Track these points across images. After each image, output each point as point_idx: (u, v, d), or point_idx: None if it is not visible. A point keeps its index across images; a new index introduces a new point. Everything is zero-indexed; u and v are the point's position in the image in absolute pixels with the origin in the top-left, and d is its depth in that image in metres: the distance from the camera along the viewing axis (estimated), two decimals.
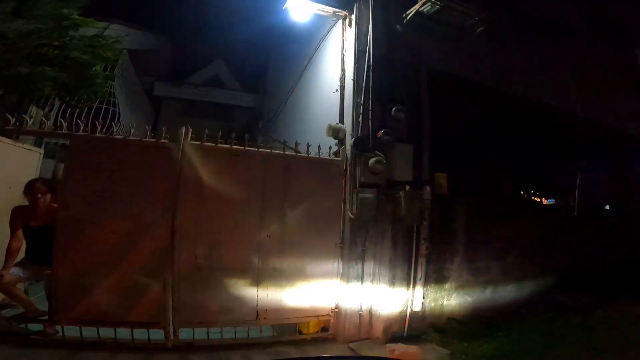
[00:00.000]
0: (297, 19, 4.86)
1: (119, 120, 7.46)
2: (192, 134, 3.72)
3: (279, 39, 9.74)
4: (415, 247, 4.13)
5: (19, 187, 3.67)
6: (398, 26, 4.53)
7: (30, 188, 3.53)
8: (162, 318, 3.47)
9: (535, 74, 5.67)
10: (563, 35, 6.00)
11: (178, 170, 3.58)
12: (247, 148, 3.90)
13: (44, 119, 3.56)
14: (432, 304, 4.29)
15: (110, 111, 7.36)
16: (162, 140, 3.63)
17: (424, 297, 4.16)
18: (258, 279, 3.80)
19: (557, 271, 5.31)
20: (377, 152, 3.99)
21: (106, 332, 3.44)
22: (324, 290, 4.01)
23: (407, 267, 4.13)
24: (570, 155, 6.17)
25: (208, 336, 3.64)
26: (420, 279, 4.12)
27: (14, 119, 3.45)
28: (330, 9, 4.62)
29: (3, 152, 3.86)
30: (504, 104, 5.25)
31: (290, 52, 8.31)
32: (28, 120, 3.57)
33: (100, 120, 3.66)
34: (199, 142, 3.73)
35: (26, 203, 3.59)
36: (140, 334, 3.49)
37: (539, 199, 6.85)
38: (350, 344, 3.86)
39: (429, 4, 4.17)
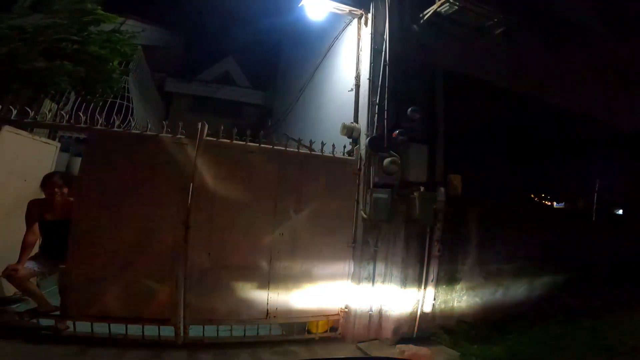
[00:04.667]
0: (312, 17, 4.85)
1: (132, 115, 7.52)
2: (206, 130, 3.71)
3: (291, 37, 9.74)
4: (428, 249, 4.11)
5: (34, 180, 3.68)
6: (414, 26, 4.51)
7: (47, 182, 3.53)
8: (173, 315, 3.48)
9: (552, 75, 5.60)
10: (581, 36, 5.92)
11: (193, 166, 3.58)
12: (262, 145, 3.91)
13: (62, 112, 3.59)
14: (443, 306, 4.27)
15: (125, 106, 7.42)
16: (178, 136, 3.63)
17: (434, 299, 4.15)
18: (269, 278, 3.80)
19: (569, 275, 5.25)
20: (391, 152, 3.98)
21: (117, 329, 3.45)
22: (335, 290, 4.01)
23: (419, 268, 4.12)
24: (585, 159, 6.08)
25: (217, 334, 3.66)
26: (431, 280, 4.11)
27: (32, 112, 3.48)
28: (346, 8, 4.61)
29: (20, 145, 3.89)
30: (519, 105, 5.19)
31: (302, 49, 8.30)
32: (47, 113, 3.61)
33: (114, 114, 3.69)
34: (214, 139, 3.73)
35: (42, 196, 3.60)
36: (150, 330, 3.49)
37: (549, 203, 6.77)
38: (359, 344, 3.86)
39: (447, 4, 4.14)
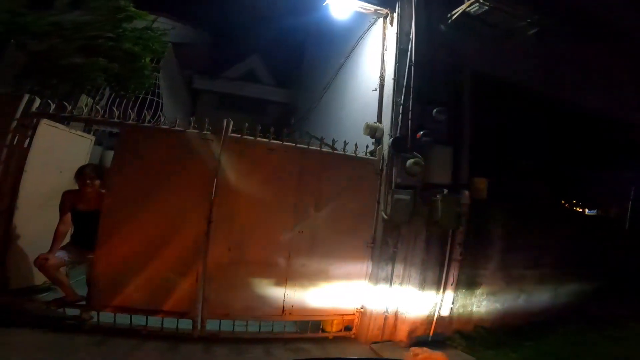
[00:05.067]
0: (336, 16, 4.85)
1: (161, 110, 7.76)
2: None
3: (315, 35, 9.78)
4: (449, 252, 4.05)
5: (69, 172, 3.82)
6: (442, 26, 4.43)
7: (80, 173, 3.63)
8: (192, 308, 3.56)
9: (587, 78, 5.36)
10: (618, 38, 5.63)
11: (217, 161, 3.66)
12: (285, 143, 3.94)
13: (97, 107, 3.74)
14: (461, 310, 4.21)
15: (155, 102, 7.66)
16: (204, 132, 3.71)
17: (453, 302, 4.09)
18: (287, 275, 3.84)
19: (597, 283, 5.08)
20: (415, 153, 3.93)
21: (137, 320, 3.53)
22: (351, 289, 4.01)
23: (438, 271, 4.06)
24: (620, 165, 5.81)
25: (233, 328, 3.71)
26: (451, 284, 4.05)
27: (70, 106, 3.65)
28: (371, 7, 4.58)
29: (56, 137, 4.00)
30: (551, 109, 5.01)
31: (326, 48, 8.31)
32: (83, 107, 3.78)
33: (145, 110, 3.80)
34: (238, 135, 3.79)
35: (76, 187, 3.69)
36: (169, 323, 3.57)
37: (580, 209, 6.52)
38: (372, 345, 3.86)
39: (477, 4, 4.04)
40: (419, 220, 3.98)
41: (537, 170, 5.05)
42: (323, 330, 4.05)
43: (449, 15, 4.36)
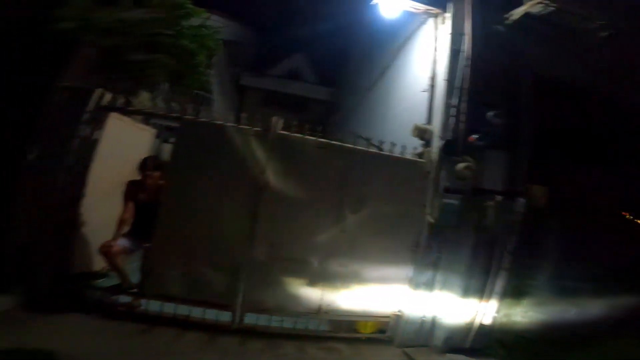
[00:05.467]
0: (384, 15, 4.80)
1: (212, 106, 8.09)
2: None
3: (360, 34, 9.70)
4: (497, 260, 3.91)
5: (133, 162, 4.03)
6: (500, 26, 4.24)
7: (143, 165, 3.86)
8: (232, 302, 3.67)
9: None
10: None
11: (266, 158, 3.74)
12: (331, 142, 3.96)
13: (158, 102, 3.96)
14: (504, 319, 4.06)
15: (206, 98, 8.00)
16: (255, 129, 3.80)
17: (496, 311, 3.97)
18: (326, 274, 3.86)
19: None
20: (466, 157, 3.81)
21: (181, 310, 3.65)
22: (389, 292, 3.98)
23: (484, 279, 3.94)
24: None
25: (269, 323, 3.79)
26: (496, 292, 3.93)
27: (131, 101, 3.89)
28: (422, 7, 4.51)
29: (122, 129, 4.23)
30: (620, 115, 4.64)
31: (372, 47, 8.23)
32: (145, 102, 4.03)
33: (197, 105, 3.97)
34: (287, 133, 3.86)
35: (139, 178, 3.91)
36: (210, 314, 3.68)
37: None
38: (406, 349, 3.82)
39: (541, 5, 3.83)
40: (467, 225, 3.86)
41: (603, 179, 4.71)
42: (356, 331, 4.05)
43: (507, 15, 4.17)
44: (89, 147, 3.67)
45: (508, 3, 4.17)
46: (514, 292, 4.06)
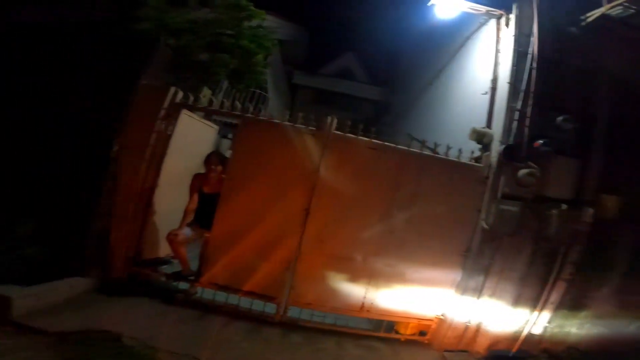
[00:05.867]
0: (441, 16, 4.70)
1: (267, 104, 8.39)
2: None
3: (414, 34, 9.49)
4: (557, 270, 3.76)
5: (198, 156, 4.31)
6: (573, 28, 4.00)
7: (208, 159, 4.09)
8: (279, 294, 3.81)
9: None
10: None
11: (320, 156, 3.84)
12: (385, 143, 3.98)
13: (224, 100, 4.21)
14: (556, 330, 3.93)
15: (262, 96, 8.30)
16: (311, 128, 3.92)
17: (549, 321, 3.85)
18: (372, 273, 3.90)
19: None
20: (530, 163, 3.65)
21: (231, 299, 3.84)
22: (434, 295, 3.96)
23: (539, 288, 3.82)
24: None
25: (311, 318, 3.89)
26: (552, 303, 3.81)
27: (195, 98, 4.14)
28: (483, 8, 4.38)
29: (191, 125, 4.46)
30: None
31: (427, 47, 8.03)
32: (214, 100, 4.29)
33: (253, 103, 4.14)
34: (341, 133, 3.92)
35: (203, 171, 4.14)
36: (256, 305, 3.85)
37: None
38: (445, 353, 3.80)
39: (621, 7, 3.56)
40: (526, 233, 3.74)
41: None
42: (396, 332, 4.05)
43: (582, 17, 3.93)
44: (164, 141, 3.97)
45: (582, 4, 3.96)
46: (571, 304, 3.90)
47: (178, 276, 3.99)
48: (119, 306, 3.51)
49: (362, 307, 3.92)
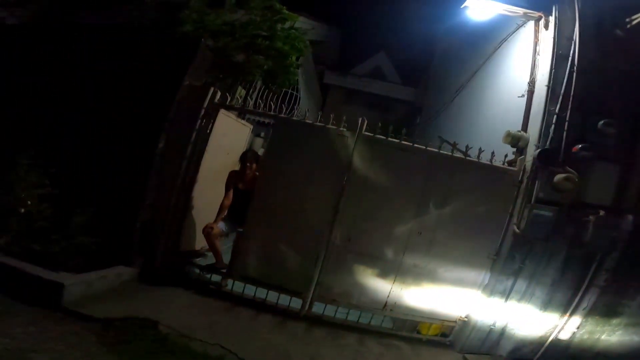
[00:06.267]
0: (476, 18, 4.63)
1: (299, 104, 8.53)
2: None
3: (447, 35, 9.35)
4: (591, 276, 3.66)
5: (234, 154, 4.51)
6: (617, 31, 3.83)
7: (243, 157, 4.29)
8: (306, 290, 3.91)
9: None
10: None
11: (350, 156, 3.92)
12: (415, 145, 4.00)
13: (260, 100, 4.37)
14: (586, 336, 3.83)
15: (294, 96, 8.46)
16: (341, 128, 4.00)
17: (578, 327, 3.77)
18: (397, 272, 3.94)
19: None
20: (567, 167, 3.56)
21: (259, 293, 3.96)
22: (459, 297, 3.95)
23: (571, 294, 3.74)
24: None
25: (335, 314, 3.96)
26: (583, 309, 3.72)
27: (241, 99, 4.33)
28: (520, 10, 4.26)
29: (227, 124, 4.60)
30: None
31: (460, 48, 7.92)
32: (250, 100, 4.47)
33: (285, 103, 4.25)
34: (371, 134, 3.98)
35: (238, 168, 4.34)
36: (283, 299, 3.95)
37: None
38: (467, 355, 3.78)
39: None
40: (560, 239, 3.64)
41: None
42: (418, 332, 4.06)
43: (627, 19, 3.76)
44: (203, 139, 4.18)
45: (628, 5, 3.78)
46: (604, 310, 3.78)
47: (211, 269, 4.16)
48: (158, 295, 3.71)
49: (386, 306, 3.98)
